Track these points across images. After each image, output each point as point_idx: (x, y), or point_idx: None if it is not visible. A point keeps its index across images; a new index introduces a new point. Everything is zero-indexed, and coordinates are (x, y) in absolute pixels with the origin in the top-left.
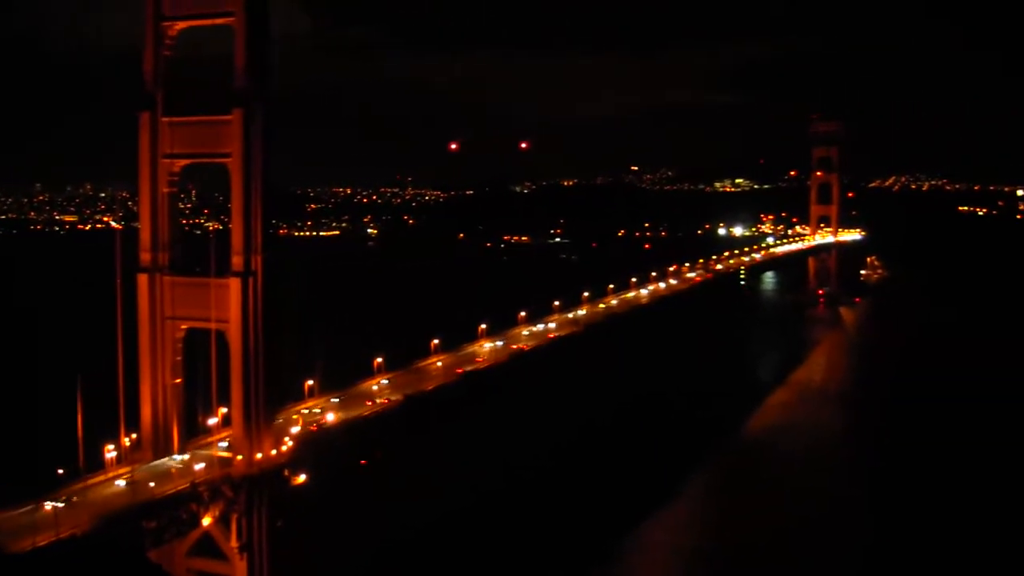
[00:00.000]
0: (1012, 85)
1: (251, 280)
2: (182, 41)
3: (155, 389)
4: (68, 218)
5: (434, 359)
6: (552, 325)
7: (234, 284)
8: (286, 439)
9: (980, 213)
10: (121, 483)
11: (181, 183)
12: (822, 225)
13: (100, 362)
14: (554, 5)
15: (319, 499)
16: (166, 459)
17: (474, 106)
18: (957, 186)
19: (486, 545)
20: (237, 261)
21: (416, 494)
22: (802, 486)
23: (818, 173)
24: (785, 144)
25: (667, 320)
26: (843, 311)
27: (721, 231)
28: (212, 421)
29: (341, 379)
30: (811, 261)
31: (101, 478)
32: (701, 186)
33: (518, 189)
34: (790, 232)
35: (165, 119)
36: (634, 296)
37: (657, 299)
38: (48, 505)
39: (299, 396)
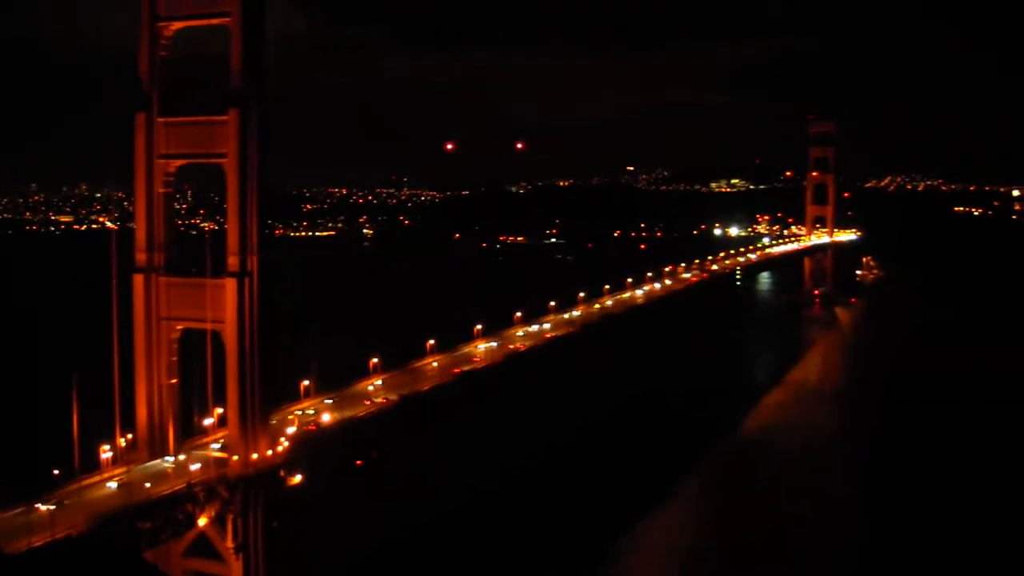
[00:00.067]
0: (1008, 85)
1: (247, 280)
2: (178, 41)
3: (151, 389)
4: (64, 218)
5: (430, 359)
6: (547, 326)
7: (230, 284)
8: (282, 439)
9: (976, 213)
10: (113, 485)
11: (177, 183)
12: (818, 225)
13: (96, 362)
14: (552, 5)
15: (315, 499)
16: (158, 461)
17: (471, 106)
18: (953, 186)
19: (482, 545)
20: (233, 261)
21: (412, 494)
22: (798, 486)
23: (814, 173)
24: (781, 144)
25: (663, 320)
26: (839, 311)
27: (717, 231)
28: (208, 421)
29: (337, 380)
30: (807, 261)
31: (96, 479)
32: (697, 186)
33: (514, 189)
34: (786, 232)
35: (161, 119)
36: (629, 297)
37: (653, 300)
38: (39, 507)
39: (295, 397)
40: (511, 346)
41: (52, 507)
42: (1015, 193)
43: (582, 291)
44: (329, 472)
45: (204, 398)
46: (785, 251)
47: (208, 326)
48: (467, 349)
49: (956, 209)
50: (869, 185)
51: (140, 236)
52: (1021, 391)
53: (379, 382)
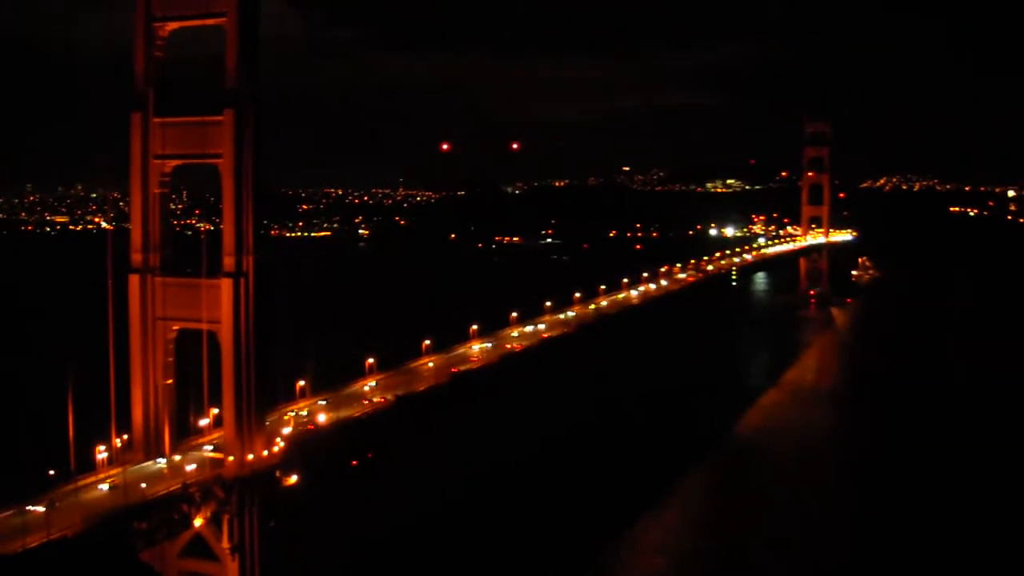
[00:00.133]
0: (1004, 86)
1: (242, 281)
2: (174, 42)
3: (146, 390)
4: (59, 219)
5: (425, 360)
6: (541, 326)
7: (225, 285)
8: (278, 440)
9: (971, 213)
10: (104, 487)
11: (172, 184)
12: (813, 226)
13: (92, 363)
14: (549, 6)
15: (311, 500)
16: (150, 463)
17: (466, 107)
18: (948, 186)
19: (479, 545)
20: (228, 262)
21: (408, 494)
22: (795, 486)
23: (809, 174)
24: (777, 145)
25: (658, 321)
26: (834, 312)
27: (712, 232)
28: (203, 422)
29: (333, 380)
30: (802, 262)
31: (91, 479)
32: (693, 187)
33: (509, 190)
34: (781, 233)
35: (156, 120)
36: (624, 297)
37: (648, 300)
38: (30, 509)
39: (291, 397)
40: (507, 346)
41: (42, 509)
42: (1010, 193)
43: (578, 291)
44: (325, 472)
45: (200, 398)
46: (781, 251)
47: (204, 326)
48: (463, 349)
49: (951, 209)
50: (865, 185)
51: (136, 236)
52: (1017, 390)
53: (375, 382)
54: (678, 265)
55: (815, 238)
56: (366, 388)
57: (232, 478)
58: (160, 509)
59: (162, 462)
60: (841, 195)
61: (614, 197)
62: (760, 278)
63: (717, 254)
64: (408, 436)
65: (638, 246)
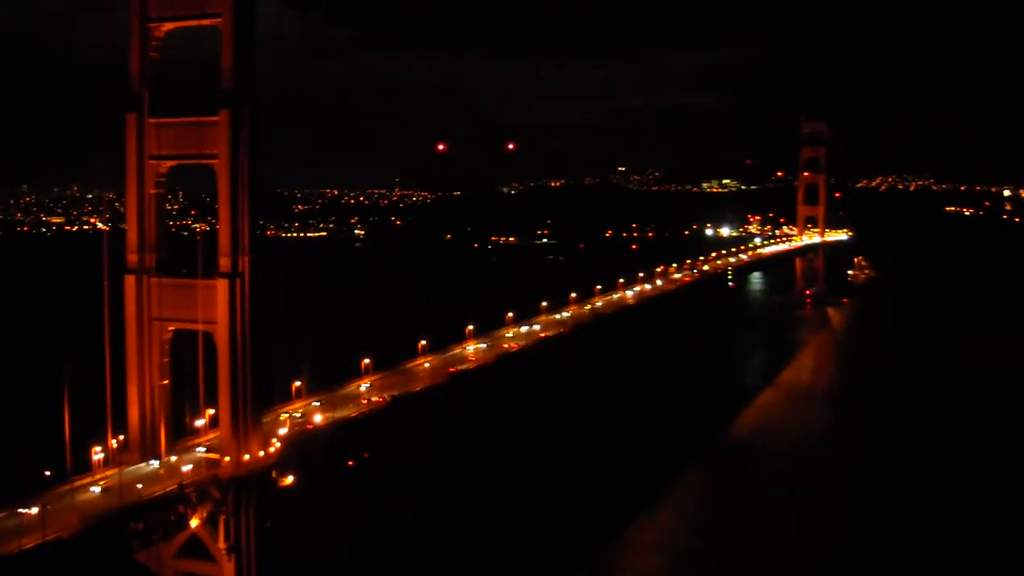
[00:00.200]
0: (999, 85)
1: (238, 281)
2: (169, 42)
3: (142, 390)
4: (55, 219)
5: (422, 360)
6: (536, 327)
7: (221, 285)
8: (274, 440)
9: (967, 213)
10: (96, 489)
11: (168, 184)
12: (809, 226)
13: (88, 363)
14: (552, 6)
15: (307, 500)
16: (142, 464)
17: (464, 107)
18: (944, 186)
19: (475, 545)
20: (224, 262)
21: (404, 494)
22: (791, 486)
23: (805, 174)
24: (773, 145)
25: (654, 321)
26: (830, 311)
27: (708, 232)
28: (200, 423)
29: (329, 380)
30: (798, 262)
31: (87, 480)
32: (688, 187)
33: (505, 190)
34: (777, 233)
35: (152, 120)
36: (620, 297)
37: (644, 300)
38: (21, 511)
39: (287, 397)
40: (504, 346)
41: (32, 512)
42: (1006, 193)
43: (574, 291)
44: (321, 473)
45: (196, 399)
46: (776, 251)
47: (200, 327)
48: (459, 349)
49: (947, 209)
50: (860, 185)
51: (131, 237)
52: (1012, 389)
53: (371, 383)
54: (674, 265)
55: (811, 238)
56: (362, 388)
57: (228, 478)
58: (156, 510)
59: (155, 463)
60: (837, 195)
61: (610, 197)
62: (756, 278)
63: (713, 254)
64: (405, 436)
65: (634, 246)
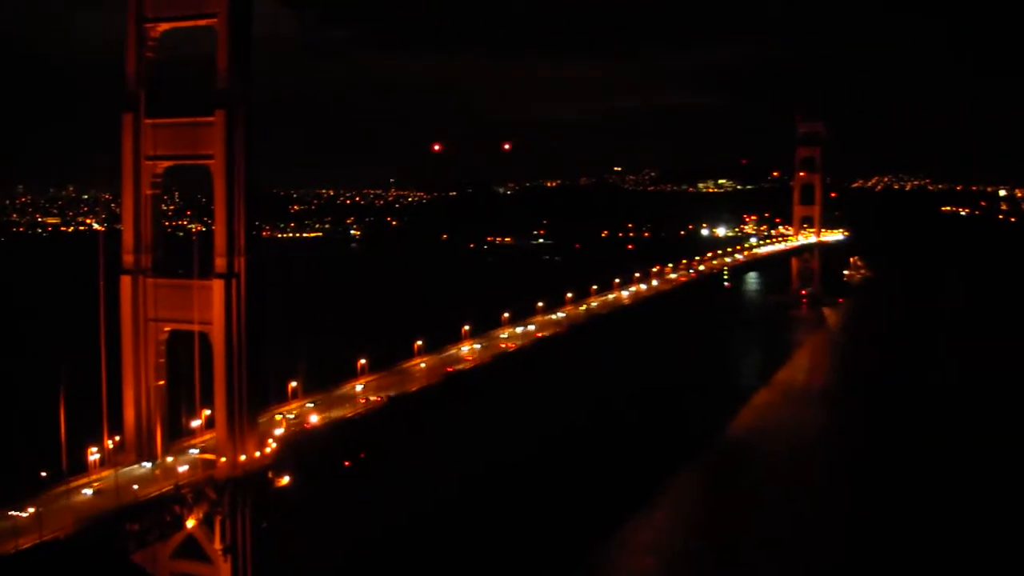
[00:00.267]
0: (995, 85)
1: (234, 282)
2: (165, 42)
3: (138, 391)
4: (51, 220)
5: (418, 360)
6: (531, 328)
7: (217, 286)
8: (270, 441)
9: (963, 213)
10: (88, 491)
11: (164, 185)
12: (805, 226)
13: (84, 364)
14: (549, 6)
15: (303, 500)
16: (135, 466)
17: (462, 107)
18: (940, 186)
19: (471, 545)
20: (220, 263)
21: (400, 494)
22: (787, 486)
23: (801, 174)
24: (768, 145)
25: (650, 321)
26: (826, 311)
27: (704, 232)
28: (196, 423)
29: (325, 381)
30: (794, 262)
31: (83, 480)
32: (684, 187)
33: (501, 190)
34: (773, 233)
35: (148, 121)
36: (615, 298)
37: (640, 300)
38: (12, 514)
39: (283, 398)
40: (501, 346)
41: (25, 515)
42: (1001, 193)
43: (570, 292)
44: (317, 473)
45: (192, 400)
46: (772, 251)
47: (196, 327)
48: (455, 350)
49: (943, 209)
50: (856, 185)
51: (127, 238)
52: (1008, 388)
53: (367, 383)
54: (670, 265)
55: (807, 238)
56: (358, 389)
57: (224, 479)
58: (152, 510)
59: (147, 465)
60: (833, 195)
61: (606, 197)
62: (752, 278)
63: (709, 254)
64: (401, 436)
65: (630, 246)
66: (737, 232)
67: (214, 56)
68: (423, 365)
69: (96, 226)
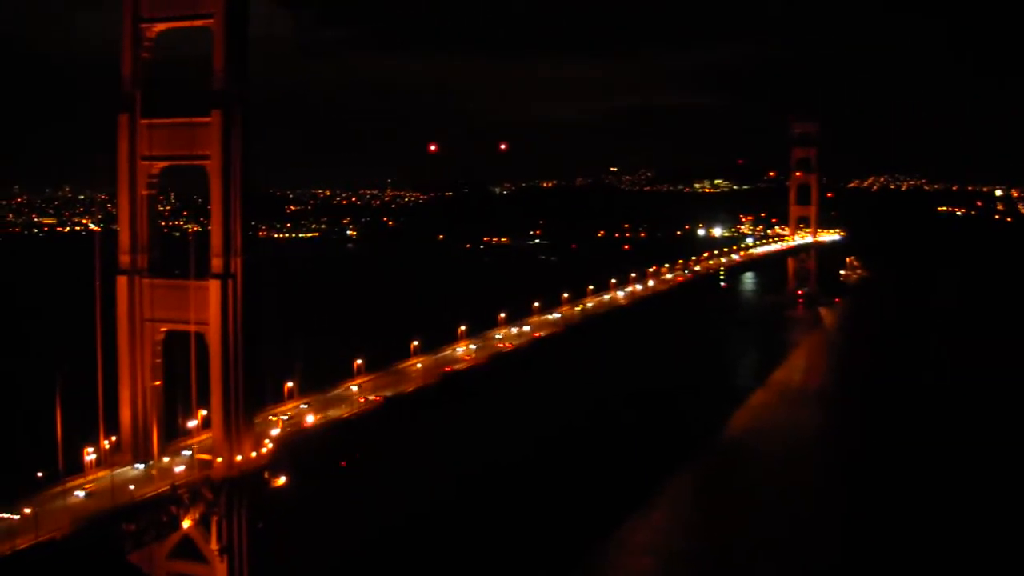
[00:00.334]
0: (993, 86)
1: (230, 282)
2: (161, 43)
3: (134, 391)
4: (47, 220)
5: (414, 360)
6: (527, 328)
7: (213, 286)
8: (266, 441)
9: (959, 213)
10: (80, 494)
11: (160, 185)
12: (801, 226)
13: (80, 364)
14: (548, 6)
15: (299, 501)
16: (128, 467)
17: (460, 107)
18: (936, 186)
19: (467, 545)
20: (216, 263)
21: (397, 494)
22: (783, 486)
23: (797, 174)
24: (764, 145)
25: (646, 321)
26: (823, 311)
27: (700, 232)
28: (192, 424)
29: (321, 381)
30: (790, 262)
31: (79, 481)
32: (680, 187)
33: (498, 190)
34: (769, 233)
35: (144, 121)
36: (611, 298)
37: (636, 300)
38: (4, 516)
39: (279, 398)
40: (498, 345)
41: (15, 517)
42: (997, 193)
43: (566, 292)
44: (314, 473)
45: (188, 400)
46: (768, 251)
47: (192, 328)
48: (451, 350)
49: (939, 209)
50: (852, 185)
51: (123, 238)
52: (1004, 388)
53: (363, 384)
54: (666, 265)
55: (803, 238)
56: (354, 389)
57: (220, 479)
58: (148, 511)
59: (140, 466)
60: (829, 195)
61: (602, 197)
62: (748, 278)
63: (705, 254)
64: (397, 437)
65: (626, 246)
66: (733, 232)
67: (210, 56)
68: (419, 365)
69: (92, 226)
